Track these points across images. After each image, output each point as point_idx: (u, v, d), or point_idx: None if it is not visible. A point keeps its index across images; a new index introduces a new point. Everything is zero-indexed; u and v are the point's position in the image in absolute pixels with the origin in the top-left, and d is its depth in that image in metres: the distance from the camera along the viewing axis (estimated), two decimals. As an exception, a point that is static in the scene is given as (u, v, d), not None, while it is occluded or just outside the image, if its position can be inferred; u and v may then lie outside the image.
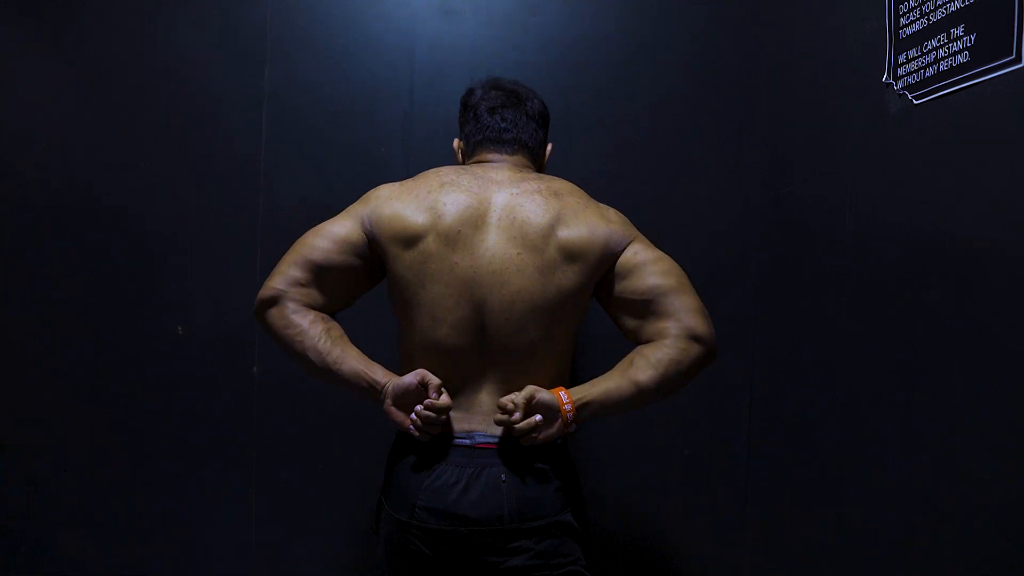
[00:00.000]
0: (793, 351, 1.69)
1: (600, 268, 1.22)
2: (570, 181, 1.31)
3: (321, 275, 1.22)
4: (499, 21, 1.84)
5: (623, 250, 1.23)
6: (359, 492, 1.83)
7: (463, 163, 1.36)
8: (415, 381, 1.16)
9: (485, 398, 1.20)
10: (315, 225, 1.27)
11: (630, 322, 1.24)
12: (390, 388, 1.18)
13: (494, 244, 1.18)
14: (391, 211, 1.20)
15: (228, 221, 1.85)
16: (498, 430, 1.19)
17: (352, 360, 1.20)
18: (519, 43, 1.84)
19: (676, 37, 1.85)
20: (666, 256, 1.26)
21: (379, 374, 1.20)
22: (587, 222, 1.21)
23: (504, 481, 1.16)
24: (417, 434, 1.16)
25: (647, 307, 1.22)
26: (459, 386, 1.20)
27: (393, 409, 1.18)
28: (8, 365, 1.89)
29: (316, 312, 1.22)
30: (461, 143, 1.37)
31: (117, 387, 1.87)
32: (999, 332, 1.01)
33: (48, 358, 1.88)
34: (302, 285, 1.21)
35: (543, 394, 1.16)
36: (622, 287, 1.23)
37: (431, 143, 1.80)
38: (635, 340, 1.25)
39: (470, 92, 1.36)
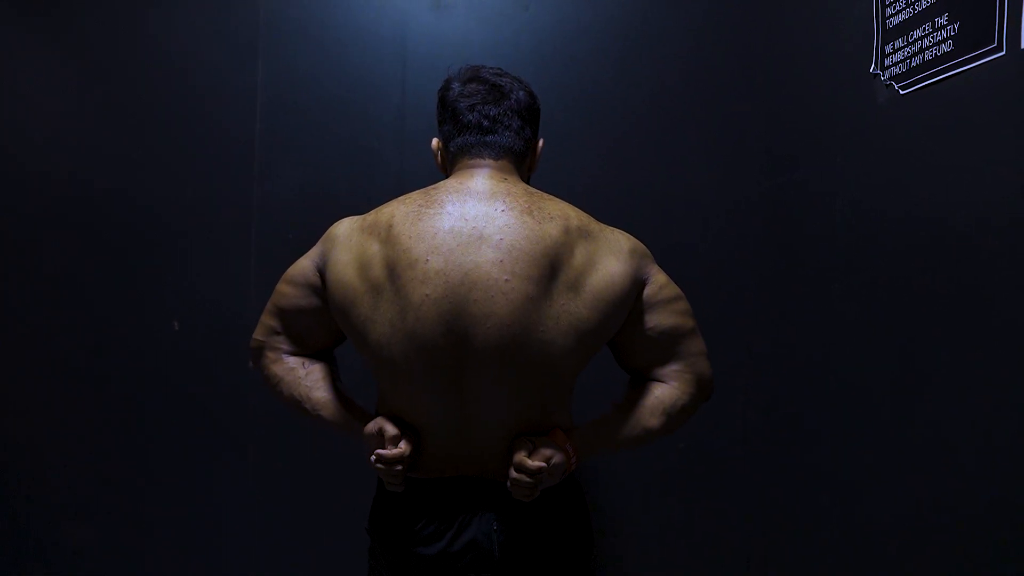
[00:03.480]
0: (789, 342, 1.70)
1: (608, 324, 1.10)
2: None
3: (291, 321, 1.18)
4: (490, 15, 1.85)
5: (643, 288, 1.12)
6: (356, 485, 1.83)
7: (442, 166, 1.22)
8: (373, 430, 1.09)
9: (474, 435, 1.09)
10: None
11: (637, 360, 1.17)
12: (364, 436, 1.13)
13: (480, 322, 1.01)
14: (344, 285, 1.08)
15: (223, 216, 1.86)
16: (489, 470, 1.11)
17: (330, 407, 1.17)
18: (511, 37, 1.84)
19: (668, 30, 1.85)
20: (679, 290, 1.16)
21: (355, 422, 1.16)
22: (601, 290, 1.05)
23: (496, 530, 1.10)
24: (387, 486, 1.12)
25: (661, 350, 1.15)
26: (445, 421, 1.09)
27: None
28: (3, 361, 1.90)
29: (294, 359, 1.20)
30: (440, 144, 1.20)
31: (113, 382, 1.88)
32: (988, 317, 1.01)
33: (43, 354, 1.89)
34: (276, 333, 1.20)
35: (555, 458, 1.07)
36: (638, 328, 1.13)
37: (424, 135, 1.80)
38: (632, 371, 1.20)
39: (447, 86, 1.20)
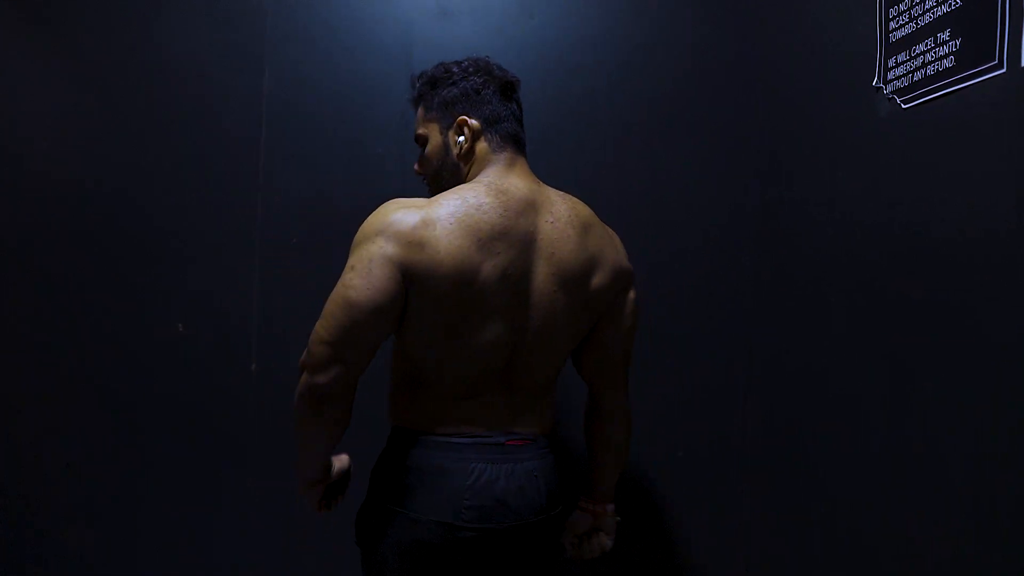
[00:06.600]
0: (787, 354, 1.70)
1: (608, 304, 1.30)
2: (569, 181, 1.40)
3: (370, 353, 1.12)
4: (496, 23, 1.86)
5: (627, 294, 1.33)
6: (356, 489, 1.84)
7: (473, 150, 1.25)
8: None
9: (504, 399, 1.23)
10: (344, 277, 1.09)
11: (590, 364, 1.34)
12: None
13: (539, 281, 1.18)
14: (452, 266, 1.09)
15: (227, 219, 1.88)
16: (524, 428, 1.24)
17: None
18: (516, 45, 1.85)
19: (671, 41, 1.85)
20: None
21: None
22: (613, 266, 1.26)
23: (536, 476, 1.21)
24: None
25: (617, 363, 1.35)
26: (482, 389, 1.21)
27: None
28: (8, 362, 1.92)
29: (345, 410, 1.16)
30: (478, 125, 1.24)
31: (117, 384, 1.90)
32: (984, 330, 1.01)
33: (48, 356, 1.91)
34: (355, 371, 1.10)
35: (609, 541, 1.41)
36: (608, 331, 1.31)
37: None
38: (581, 373, 1.37)
39: (477, 64, 1.29)
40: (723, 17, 1.85)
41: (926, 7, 1.13)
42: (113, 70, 1.89)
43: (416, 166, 1.38)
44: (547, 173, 1.37)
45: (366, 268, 1.07)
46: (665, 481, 1.87)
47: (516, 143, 1.27)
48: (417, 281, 1.10)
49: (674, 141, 1.86)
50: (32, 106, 1.91)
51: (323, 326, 1.07)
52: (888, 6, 1.24)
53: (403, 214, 1.10)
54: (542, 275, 1.18)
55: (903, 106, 1.20)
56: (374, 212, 1.15)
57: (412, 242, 1.08)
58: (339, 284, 1.09)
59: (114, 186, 1.90)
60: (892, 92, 1.23)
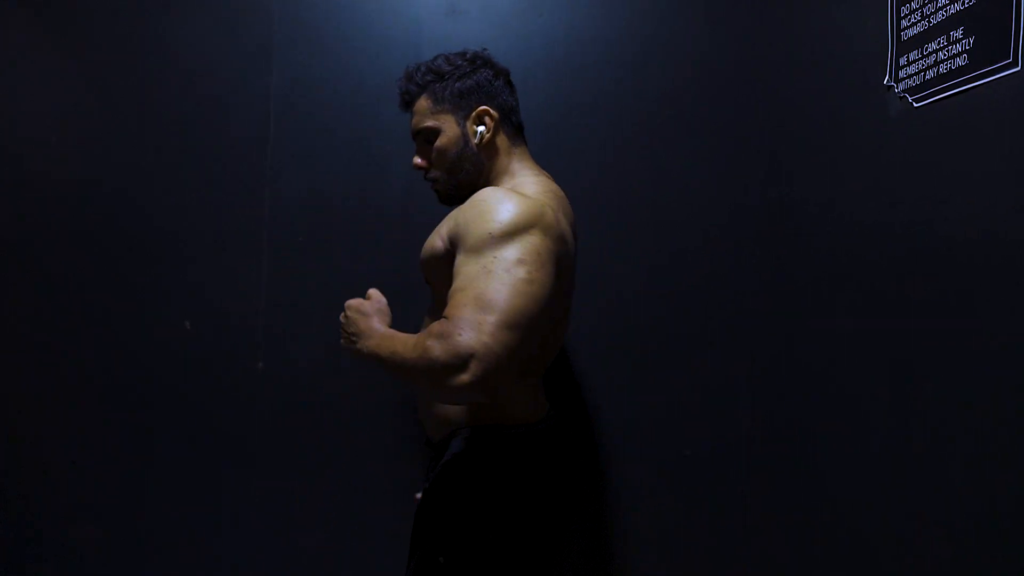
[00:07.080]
0: (788, 354, 1.70)
1: None
2: (572, 179, 1.47)
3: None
4: (504, 21, 1.86)
5: None
6: (363, 487, 1.84)
7: (494, 140, 1.27)
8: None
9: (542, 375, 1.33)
10: (493, 265, 0.94)
11: None
12: None
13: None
14: (572, 256, 1.18)
15: (235, 217, 1.87)
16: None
17: None
18: (524, 44, 1.85)
19: (678, 39, 1.86)
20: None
21: None
22: None
23: None
24: None
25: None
26: (542, 369, 1.29)
27: None
28: (15, 360, 1.91)
29: None
30: (498, 115, 1.26)
31: (123, 382, 1.89)
32: (996, 332, 1.02)
33: (55, 353, 1.90)
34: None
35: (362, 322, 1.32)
36: None
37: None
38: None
39: (483, 57, 1.31)
40: (731, 15, 1.85)
41: (939, 4, 1.13)
42: (120, 70, 1.89)
43: (419, 160, 1.33)
44: (549, 171, 1.37)
45: (539, 261, 0.95)
46: (666, 481, 1.87)
47: (523, 135, 1.33)
48: (559, 274, 1.05)
49: (680, 140, 1.86)
50: (37, 102, 1.90)
51: (516, 334, 0.88)
52: (900, 4, 1.24)
53: (540, 207, 1.02)
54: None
55: (915, 104, 1.20)
56: (499, 202, 1.01)
57: (560, 235, 1.05)
58: (511, 281, 0.91)
59: (122, 185, 1.89)
60: (903, 91, 1.23)
